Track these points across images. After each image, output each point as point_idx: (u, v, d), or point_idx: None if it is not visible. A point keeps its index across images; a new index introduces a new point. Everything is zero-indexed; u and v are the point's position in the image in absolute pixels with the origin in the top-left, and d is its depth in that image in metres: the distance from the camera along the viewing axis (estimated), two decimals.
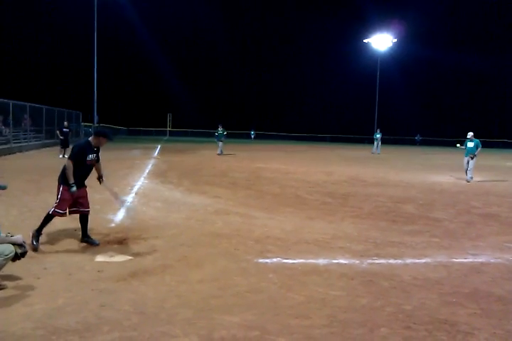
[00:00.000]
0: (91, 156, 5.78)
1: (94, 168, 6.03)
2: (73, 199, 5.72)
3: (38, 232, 5.62)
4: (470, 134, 15.19)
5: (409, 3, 63.36)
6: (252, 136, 62.06)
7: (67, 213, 5.84)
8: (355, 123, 66.00)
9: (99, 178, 6.21)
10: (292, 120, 68.14)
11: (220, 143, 24.33)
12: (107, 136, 6.00)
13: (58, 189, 5.67)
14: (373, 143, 32.45)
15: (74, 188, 5.55)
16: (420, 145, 55.32)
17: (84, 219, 5.97)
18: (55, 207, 5.63)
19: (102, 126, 49.48)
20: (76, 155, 5.66)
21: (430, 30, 64.80)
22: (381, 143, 32.45)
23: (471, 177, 14.60)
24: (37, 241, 5.57)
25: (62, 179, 5.66)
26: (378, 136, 31.65)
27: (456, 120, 66.61)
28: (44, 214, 5.78)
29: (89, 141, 5.85)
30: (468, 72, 64.58)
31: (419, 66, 66.62)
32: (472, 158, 14.68)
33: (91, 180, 6.18)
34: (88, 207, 5.96)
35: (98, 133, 5.97)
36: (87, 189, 6.02)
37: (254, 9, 75.82)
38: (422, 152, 37.70)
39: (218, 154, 24.00)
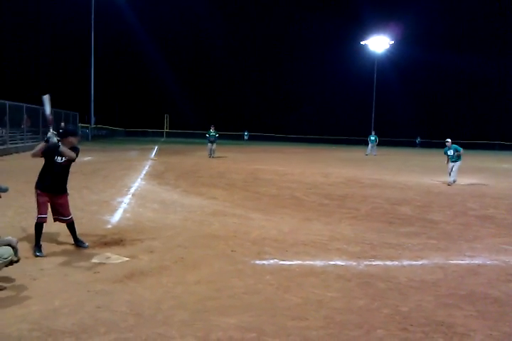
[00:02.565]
0: (59, 158, 5.54)
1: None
2: (48, 201, 5.59)
3: (37, 245, 5.48)
4: (448, 141, 14.54)
5: (406, 5, 63.45)
6: (246, 137, 61.75)
7: (53, 220, 5.78)
8: (352, 125, 65.97)
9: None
10: (289, 121, 68.10)
11: (214, 145, 23.18)
12: (74, 133, 5.83)
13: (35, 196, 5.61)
14: (368, 144, 32.20)
15: (51, 137, 5.29)
16: (421, 147, 55.23)
17: (70, 227, 5.88)
18: (37, 214, 5.54)
19: (100, 127, 49.56)
20: (46, 149, 5.39)
21: (427, 32, 64.90)
22: (378, 145, 32.43)
23: (454, 181, 14.09)
24: (40, 251, 5.44)
25: (36, 183, 5.60)
26: (373, 138, 31.58)
27: (453, 122, 66.81)
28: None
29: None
30: (466, 74, 64.75)
31: (416, 68, 66.67)
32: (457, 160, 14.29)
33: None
34: (68, 216, 5.79)
35: (65, 134, 5.64)
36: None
37: (252, 11, 75.91)
38: (420, 154, 37.75)
39: (210, 156, 22.96)
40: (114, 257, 5.42)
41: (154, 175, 14.14)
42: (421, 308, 4.16)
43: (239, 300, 4.23)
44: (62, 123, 22.78)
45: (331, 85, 68.54)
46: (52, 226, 6.34)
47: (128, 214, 8.03)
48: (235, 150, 32.67)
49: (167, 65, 69.10)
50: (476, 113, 66.30)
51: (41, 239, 5.55)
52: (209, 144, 23.48)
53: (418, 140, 57.75)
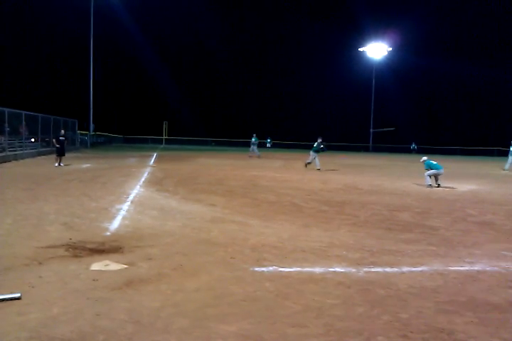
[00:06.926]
0: None
1: None
2: None
3: None
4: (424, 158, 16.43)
5: (404, 13, 63.93)
6: (268, 145, 56.18)
7: None
8: (350, 131, 66.05)
9: None
10: (287, 128, 68.15)
11: (316, 157, 22.99)
12: None
13: None
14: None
15: None
16: (416, 153, 55.22)
17: None
18: None
19: (98, 134, 49.60)
20: None
21: (425, 39, 65.30)
22: (376, 152, 32.33)
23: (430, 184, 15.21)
24: None
25: None
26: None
27: (451, 128, 66.98)
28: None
29: None
30: (464, 80, 64.98)
31: (414, 74, 67.03)
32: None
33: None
34: None
35: None
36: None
37: (252, 17, 76.29)
38: (418, 160, 37.74)
39: (306, 166, 22.94)
40: (113, 264, 5.40)
41: (153, 182, 14.13)
42: (421, 315, 4.15)
43: (238, 308, 4.21)
44: (62, 131, 22.74)
45: (329, 92, 68.76)
46: (52, 233, 6.33)
47: (127, 221, 8.01)
48: (233, 157, 32.70)
49: (166, 72, 69.37)
50: (474, 119, 66.48)
51: None
52: (313, 154, 23.22)
53: (413, 146, 57.61)
